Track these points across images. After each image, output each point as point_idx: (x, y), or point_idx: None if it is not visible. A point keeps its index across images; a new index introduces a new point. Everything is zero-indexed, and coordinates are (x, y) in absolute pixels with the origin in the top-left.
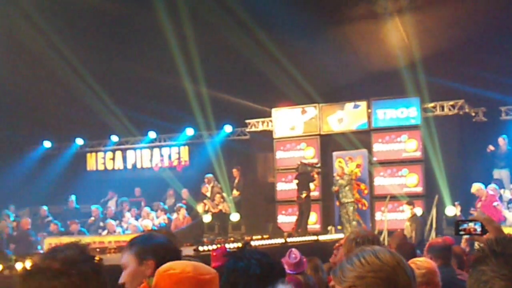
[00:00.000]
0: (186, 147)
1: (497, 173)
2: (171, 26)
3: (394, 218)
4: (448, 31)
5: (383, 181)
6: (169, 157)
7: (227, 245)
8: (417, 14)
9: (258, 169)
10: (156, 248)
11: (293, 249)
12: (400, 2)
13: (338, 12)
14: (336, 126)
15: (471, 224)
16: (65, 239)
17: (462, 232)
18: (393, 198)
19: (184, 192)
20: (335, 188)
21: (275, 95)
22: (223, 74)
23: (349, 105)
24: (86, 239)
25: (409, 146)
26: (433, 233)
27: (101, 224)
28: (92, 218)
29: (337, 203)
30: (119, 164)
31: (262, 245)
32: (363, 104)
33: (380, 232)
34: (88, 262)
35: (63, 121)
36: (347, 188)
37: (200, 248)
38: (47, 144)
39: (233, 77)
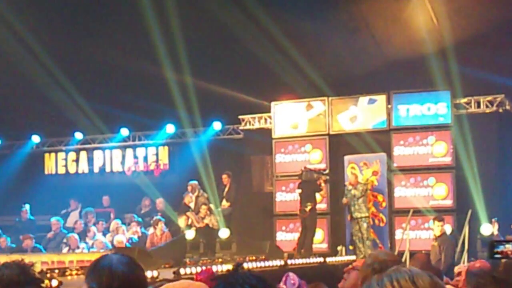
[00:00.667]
0: (166, 147)
1: None
2: (148, 1)
3: (418, 237)
4: (486, 12)
5: (405, 192)
6: (145, 159)
7: (214, 267)
8: None
9: (253, 175)
10: (100, 274)
11: (290, 273)
12: None
13: None
14: (348, 125)
15: (509, 246)
16: (15, 258)
17: (497, 255)
18: (417, 212)
19: (160, 202)
20: (345, 200)
21: (275, 86)
22: (212, 60)
23: (365, 99)
24: (42, 257)
25: (437, 150)
26: (465, 256)
27: (64, 240)
28: (51, 233)
29: (348, 218)
30: (83, 167)
31: (257, 267)
32: (381, 98)
33: (401, 254)
34: (30, 286)
35: (15, 114)
36: (360, 200)
37: (182, 271)
38: None
39: (224, 63)
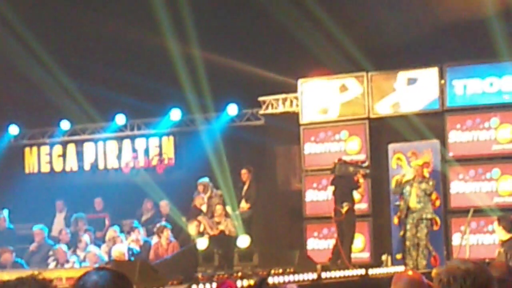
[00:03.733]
0: (170, 137)
1: None
2: None
3: (480, 242)
4: None
5: (464, 188)
6: (146, 152)
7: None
8: None
9: (278, 170)
10: None
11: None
12: None
13: None
14: (392, 106)
15: None
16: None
17: None
18: (479, 212)
19: (164, 205)
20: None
21: (302, 60)
22: (225, 28)
23: (412, 74)
24: (24, 274)
25: (502, 135)
26: None
27: (50, 252)
28: (35, 244)
29: (396, 220)
30: (71, 164)
31: (285, 282)
32: (433, 72)
33: None
34: None
35: None
36: (426, 198)
37: None
38: None
39: (239, 32)
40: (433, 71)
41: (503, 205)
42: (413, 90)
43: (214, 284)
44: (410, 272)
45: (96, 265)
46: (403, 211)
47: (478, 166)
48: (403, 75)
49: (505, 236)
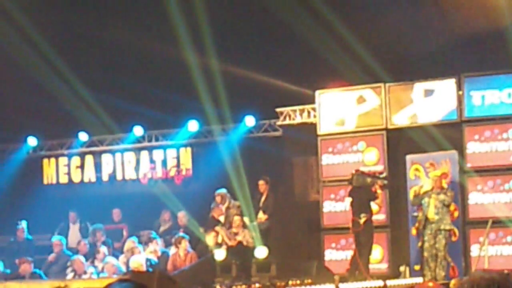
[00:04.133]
0: (188, 148)
1: None
2: None
3: (499, 253)
4: None
5: (482, 198)
6: (163, 163)
7: None
8: None
9: (295, 181)
10: None
11: None
12: None
13: None
14: (410, 117)
15: None
16: (12, 286)
17: None
18: (497, 223)
19: (182, 216)
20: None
21: (319, 71)
22: (243, 40)
23: (429, 85)
24: (43, 285)
25: None
26: None
27: (68, 263)
28: (53, 255)
29: (414, 231)
30: (90, 175)
31: None
32: (450, 82)
33: None
34: None
35: (6, 111)
36: (446, 209)
37: None
38: None
39: (257, 44)
40: (451, 82)
41: None
42: (431, 101)
43: None
44: (430, 284)
45: (114, 276)
46: (421, 222)
47: (497, 177)
48: (420, 86)
49: None
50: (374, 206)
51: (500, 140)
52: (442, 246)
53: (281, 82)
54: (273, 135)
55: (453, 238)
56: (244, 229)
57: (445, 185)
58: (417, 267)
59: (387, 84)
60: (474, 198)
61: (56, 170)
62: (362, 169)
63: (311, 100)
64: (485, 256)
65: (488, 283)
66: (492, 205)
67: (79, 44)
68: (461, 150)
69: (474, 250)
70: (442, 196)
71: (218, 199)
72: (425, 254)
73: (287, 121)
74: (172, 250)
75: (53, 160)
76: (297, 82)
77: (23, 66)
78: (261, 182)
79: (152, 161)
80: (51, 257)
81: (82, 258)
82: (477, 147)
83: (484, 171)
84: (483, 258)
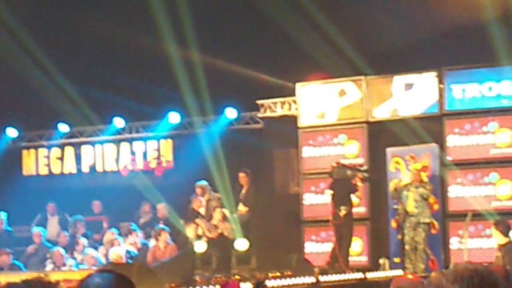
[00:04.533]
0: (169, 140)
1: None
2: None
3: (479, 246)
4: None
5: (462, 192)
6: (144, 155)
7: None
8: None
9: (276, 173)
10: None
11: None
12: None
13: None
14: (390, 110)
15: None
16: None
17: None
18: (477, 216)
19: (162, 208)
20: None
21: (300, 64)
22: (224, 32)
23: (411, 78)
24: (21, 276)
25: (501, 139)
26: None
27: (47, 255)
28: (32, 246)
29: (393, 223)
30: (70, 166)
31: (283, 286)
32: (431, 76)
33: None
34: None
35: None
36: (424, 202)
37: None
38: None
39: (238, 37)
40: (432, 75)
41: (501, 209)
42: (412, 94)
43: (212, 287)
44: (409, 276)
45: (94, 268)
46: (401, 215)
47: (477, 170)
48: (401, 80)
49: (502, 240)
50: (354, 198)
51: (480, 134)
52: (422, 239)
53: (262, 74)
54: (254, 127)
55: (433, 231)
56: (224, 221)
57: (425, 178)
58: (396, 260)
59: (368, 77)
60: (454, 191)
61: (36, 162)
62: (343, 161)
63: (292, 93)
64: (465, 249)
65: (471, 275)
66: (472, 198)
67: (60, 35)
68: (441, 143)
69: (454, 243)
70: (421, 190)
71: (198, 191)
72: (406, 247)
73: (268, 114)
74: (152, 242)
75: (33, 151)
76: (278, 75)
77: (3, 57)
78: (241, 175)
79: (132, 152)
80: (30, 248)
81: (62, 250)
82: (458, 141)
83: (464, 164)
84: (462, 251)
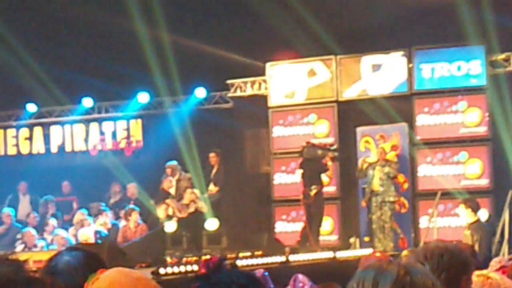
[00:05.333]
0: (138, 120)
1: None
2: None
3: (448, 225)
4: None
5: (431, 171)
6: (113, 135)
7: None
8: None
9: (246, 153)
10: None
11: (300, 276)
12: None
13: None
14: (360, 89)
15: None
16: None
17: None
18: (446, 195)
19: (132, 188)
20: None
21: (270, 43)
22: (193, 12)
23: (380, 57)
24: None
25: (470, 118)
26: (505, 247)
27: (18, 236)
28: (2, 227)
29: (363, 203)
30: (38, 147)
31: (253, 265)
32: (401, 55)
33: None
34: (30, 286)
35: None
36: (389, 181)
37: (161, 271)
38: None
39: (207, 16)
40: (401, 55)
41: (470, 188)
42: (381, 73)
43: (182, 267)
44: (377, 254)
45: (63, 249)
46: (367, 194)
47: (446, 149)
48: (370, 59)
49: (471, 218)
50: (324, 178)
51: (449, 113)
52: (388, 217)
53: (232, 54)
54: (224, 107)
55: (403, 210)
56: (195, 201)
57: (394, 158)
58: (366, 239)
59: (338, 57)
60: (424, 170)
61: (4, 142)
62: (313, 141)
63: (262, 72)
64: (434, 227)
65: (441, 253)
66: (441, 177)
67: (28, 15)
68: (411, 123)
69: (423, 222)
70: (386, 169)
71: (168, 171)
72: (374, 226)
73: (238, 93)
74: (122, 222)
75: (1, 131)
76: (247, 54)
77: None
78: (211, 155)
79: (101, 132)
80: (0, 229)
81: (33, 231)
82: (427, 120)
83: (433, 144)
84: (432, 230)
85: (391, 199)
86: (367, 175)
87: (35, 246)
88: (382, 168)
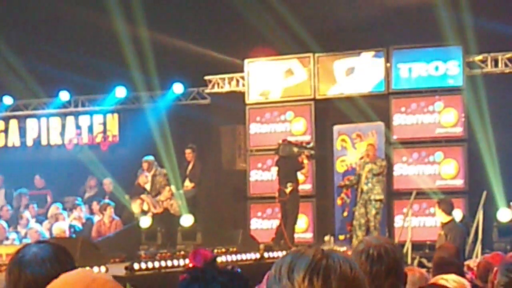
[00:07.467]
0: (115, 115)
1: None
2: None
3: (422, 224)
4: None
5: (407, 170)
6: (90, 129)
7: (175, 262)
8: None
9: (223, 149)
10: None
11: None
12: None
13: None
14: (338, 88)
15: None
16: None
17: None
18: (421, 195)
19: (108, 183)
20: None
21: (248, 40)
22: (172, 8)
23: (358, 56)
24: None
25: (446, 119)
26: (478, 247)
27: None
28: None
29: (339, 201)
30: (14, 139)
31: (227, 262)
32: (379, 54)
33: (401, 245)
34: None
35: None
36: (375, 178)
37: (135, 266)
38: None
39: (186, 12)
40: (379, 54)
41: (445, 188)
42: (359, 72)
43: (156, 263)
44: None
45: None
46: (358, 193)
47: (422, 149)
48: (348, 57)
49: (445, 218)
50: (300, 176)
51: (426, 113)
52: (372, 216)
53: (210, 50)
54: (201, 103)
55: None
56: (170, 197)
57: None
58: (341, 237)
59: (316, 55)
60: (399, 169)
61: None
62: (289, 139)
63: (240, 69)
64: (409, 227)
65: (378, 248)
66: (417, 176)
67: (6, 8)
68: (387, 122)
69: (398, 221)
70: (370, 166)
71: (144, 166)
72: (354, 222)
73: (216, 89)
74: (97, 217)
75: None
76: (226, 51)
77: None
78: (188, 151)
79: (78, 126)
80: None
81: (4, 224)
82: (403, 119)
83: (409, 143)
84: (406, 229)
85: (377, 197)
86: (359, 175)
87: (7, 238)
88: (366, 165)
